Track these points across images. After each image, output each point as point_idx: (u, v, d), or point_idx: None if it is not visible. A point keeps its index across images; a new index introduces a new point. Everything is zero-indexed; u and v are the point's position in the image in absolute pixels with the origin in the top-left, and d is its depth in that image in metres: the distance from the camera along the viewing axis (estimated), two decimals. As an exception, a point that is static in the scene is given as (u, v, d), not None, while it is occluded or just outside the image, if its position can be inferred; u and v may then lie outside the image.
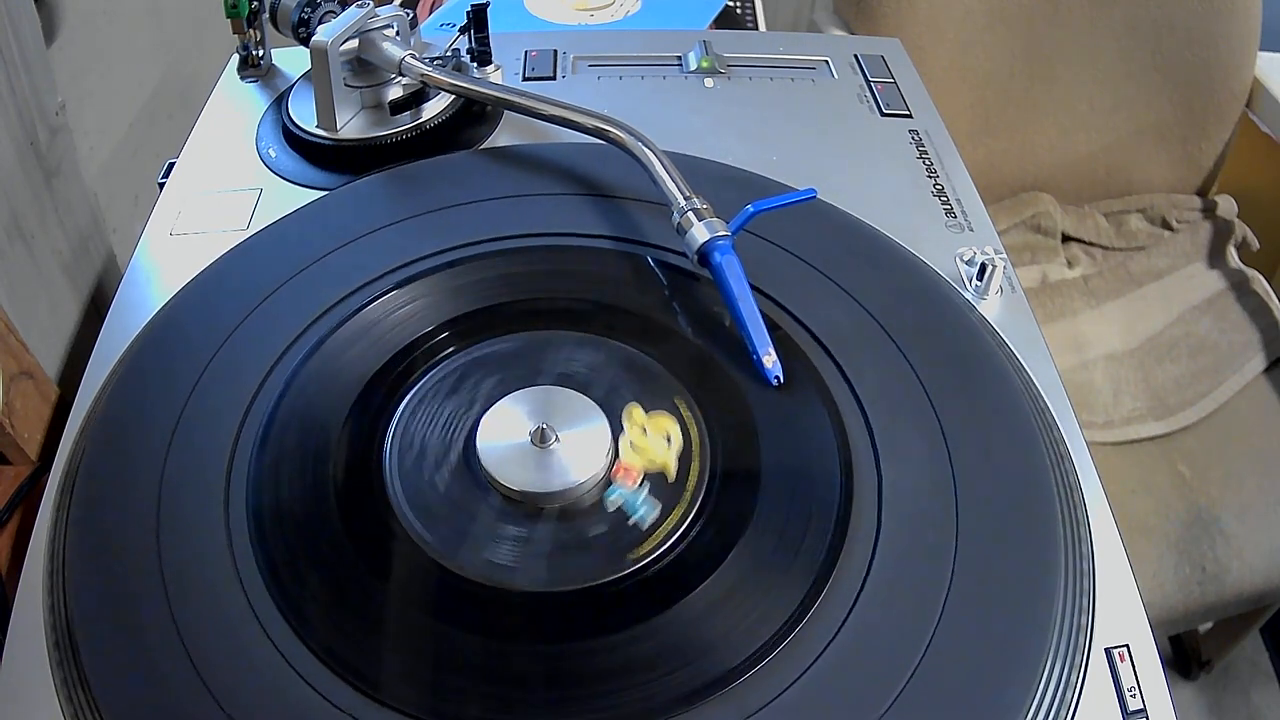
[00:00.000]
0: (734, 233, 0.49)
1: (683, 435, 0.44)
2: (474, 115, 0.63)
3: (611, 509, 0.42)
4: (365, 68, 0.60)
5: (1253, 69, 0.98)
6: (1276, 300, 0.94)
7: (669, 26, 0.83)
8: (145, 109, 0.76)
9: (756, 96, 0.66)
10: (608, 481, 0.43)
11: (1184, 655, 1.09)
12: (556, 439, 0.43)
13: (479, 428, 0.43)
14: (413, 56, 0.58)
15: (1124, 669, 0.38)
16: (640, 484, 0.42)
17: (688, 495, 0.42)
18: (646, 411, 0.44)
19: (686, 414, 0.44)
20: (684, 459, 0.43)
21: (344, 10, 0.60)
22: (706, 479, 0.43)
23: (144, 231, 0.55)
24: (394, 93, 0.60)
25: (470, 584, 0.39)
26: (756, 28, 0.91)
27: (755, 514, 0.41)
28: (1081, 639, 0.38)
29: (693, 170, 0.53)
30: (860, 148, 0.62)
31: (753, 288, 0.48)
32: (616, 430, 0.44)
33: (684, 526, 0.41)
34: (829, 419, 0.44)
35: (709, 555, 0.40)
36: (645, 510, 0.41)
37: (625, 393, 0.46)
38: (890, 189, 0.58)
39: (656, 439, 0.43)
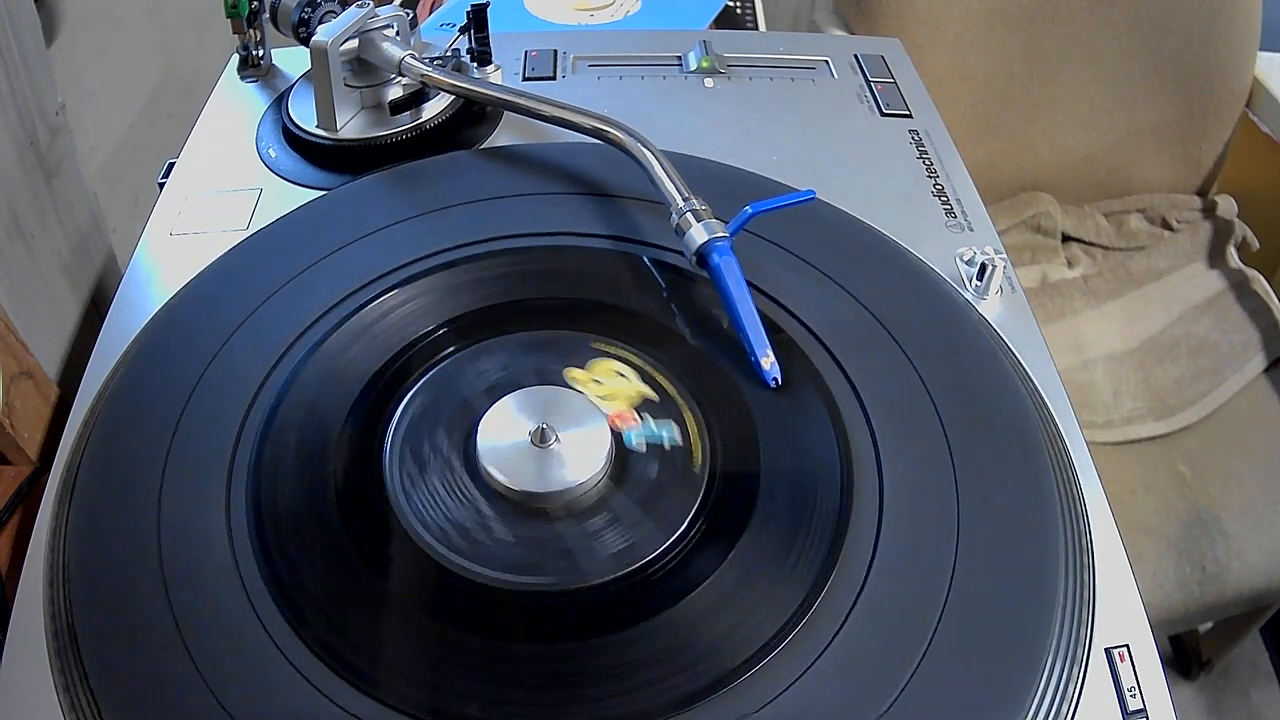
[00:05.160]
0: (732, 234, 0.49)
1: (624, 363, 0.45)
2: (474, 115, 0.63)
3: (641, 449, 0.43)
4: (365, 68, 0.60)
5: (1253, 69, 0.97)
6: (1276, 300, 0.94)
7: (669, 26, 0.83)
8: (145, 109, 0.76)
9: (756, 96, 0.66)
10: (619, 442, 0.43)
11: (1184, 655, 1.09)
12: (556, 439, 0.43)
13: (479, 428, 0.43)
14: (413, 56, 0.58)
15: (1124, 669, 0.38)
16: (641, 417, 0.43)
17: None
18: (582, 366, 0.46)
19: (613, 350, 0.46)
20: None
21: (344, 10, 0.60)
22: (707, 479, 0.43)
23: (144, 231, 0.55)
24: (394, 93, 0.60)
25: (470, 583, 0.39)
26: (756, 28, 0.91)
27: (755, 514, 0.41)
28: (1082, 639, 0.38)
29: (692, 170, 0.53)
30: (860, 148, 0.62)
31: (754, 287, 0.48)
32: (615, 431, 0.44)
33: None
34: (830, 419, 0.44)
35: (709, 555, 0.40)
36: (665, 432, 0.43)
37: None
38: (890, 189, 0.58)
39: (613, 379, 0.45)
